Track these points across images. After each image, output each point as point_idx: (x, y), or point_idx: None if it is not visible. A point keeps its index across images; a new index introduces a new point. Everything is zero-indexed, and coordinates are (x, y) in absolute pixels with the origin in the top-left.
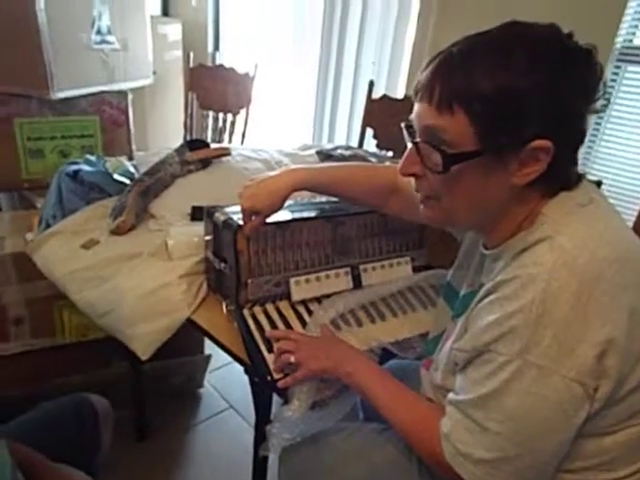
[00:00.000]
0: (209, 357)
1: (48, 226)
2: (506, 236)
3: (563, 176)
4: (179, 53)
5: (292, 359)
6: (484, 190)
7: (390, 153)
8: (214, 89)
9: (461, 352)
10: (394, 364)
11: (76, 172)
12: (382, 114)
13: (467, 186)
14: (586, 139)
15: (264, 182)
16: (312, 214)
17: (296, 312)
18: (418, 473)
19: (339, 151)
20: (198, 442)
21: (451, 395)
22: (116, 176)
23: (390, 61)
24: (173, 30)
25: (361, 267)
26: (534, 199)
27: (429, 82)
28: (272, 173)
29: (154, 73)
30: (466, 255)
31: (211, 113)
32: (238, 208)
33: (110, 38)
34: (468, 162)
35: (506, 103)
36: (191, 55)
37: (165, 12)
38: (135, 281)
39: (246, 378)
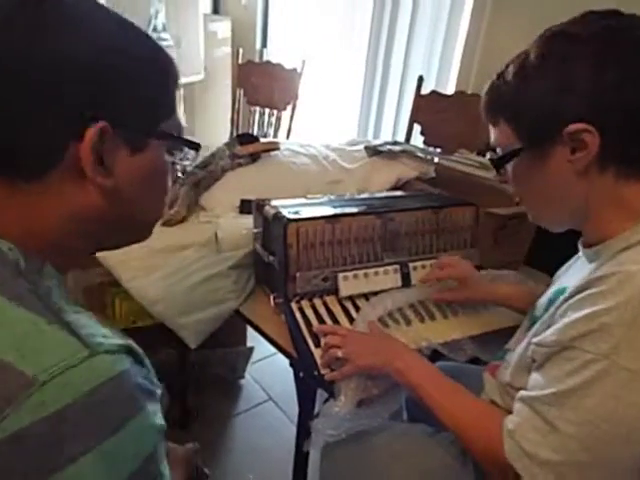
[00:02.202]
0: (252, 349)
1: None
2: (605, 234)
3: (635, 156)
4: (228, 50)
5: (339, 354)
6: (547, 182)
7: (438, 150)
8: (261, 85)
9: (541, 347)
10: (442, 365)
11: None
12: (431, 110)
13: (529, 181)
14: None
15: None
16: (361, 209)
17: (343, 308)
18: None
19: (387, 147)
20: (238, 432)
21: (522, 392)
22: None
23: (441, 56)
24: (223, 27)
25: (410, 265)
26: (611, 184)
27: (482, 103)
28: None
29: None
30: None
31: (258, 109)
32: (287, 202)
33: (165, 35)
34: (516, 159)
35: (525, 104)
36: (240, 51)
37: (216, 10)
38: (186, 271)
39: (287, 371)
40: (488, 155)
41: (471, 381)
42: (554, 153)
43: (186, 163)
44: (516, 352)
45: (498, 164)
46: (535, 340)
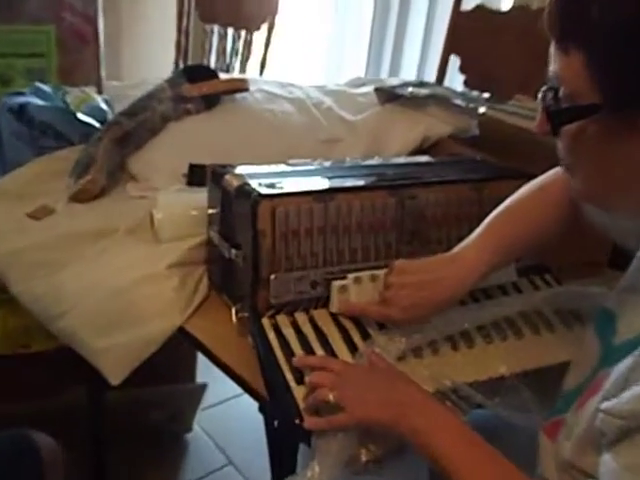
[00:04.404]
0: (204, 387)
1: None
2: None
3: None
4: None
5: (331, 397)
6: (625, 160)
7: (485, 95)
8: None
9: (613, 417)
10: (479, 416)
11: (22, 107)
12: (475, 35)
13: (599, 153)
14: None
15: (432, 285)
16: (369, 182)
17: (340, 328)
18: None
19: (409, 89)
20: None
21: None
22: (81, 115)
23: None
24: None
25: None
26: None
27: (549, 7)
28: (440, 257)
29: None
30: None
31: (216, 28)
32: (259, 169)
33: None
34: (583, 121)
35: (626, 43)
36: None
37: None
38: (105, 270)
39: (254, 420)
40: (540, 95)
41: (520, 442)
42: None
43: None
44: (581, 414)
45: (559, 120)
46: (604, 406)
